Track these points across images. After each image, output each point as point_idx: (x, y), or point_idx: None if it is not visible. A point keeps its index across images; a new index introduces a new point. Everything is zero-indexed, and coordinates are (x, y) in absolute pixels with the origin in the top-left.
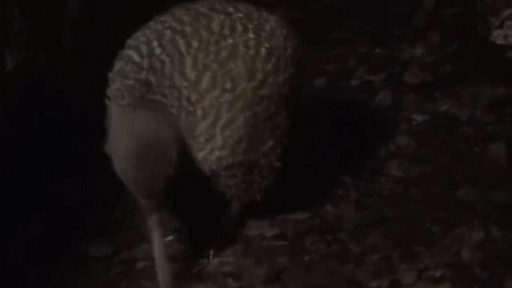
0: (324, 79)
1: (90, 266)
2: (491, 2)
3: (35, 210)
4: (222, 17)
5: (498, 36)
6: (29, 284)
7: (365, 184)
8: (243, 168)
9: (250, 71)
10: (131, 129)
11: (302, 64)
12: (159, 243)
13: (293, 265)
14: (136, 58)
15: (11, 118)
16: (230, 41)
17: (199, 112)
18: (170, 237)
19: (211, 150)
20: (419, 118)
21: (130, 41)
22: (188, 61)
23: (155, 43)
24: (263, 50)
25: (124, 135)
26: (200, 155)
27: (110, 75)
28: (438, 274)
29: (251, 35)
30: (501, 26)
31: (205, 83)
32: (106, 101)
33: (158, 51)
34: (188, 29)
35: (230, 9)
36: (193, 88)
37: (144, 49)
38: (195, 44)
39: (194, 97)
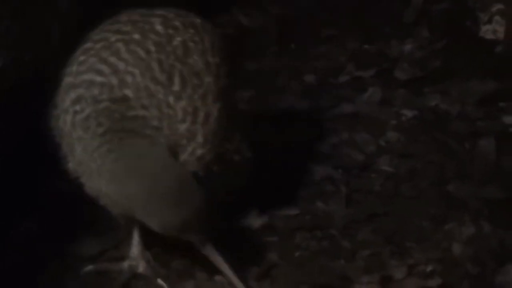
0: (314, 75)
1: (78, 265)
2: None
3: (23, 210)
4: (159, 19)
5: (487, 31)
6: (17, 284)
7: (356, 180)
8: (221, 164)
9: (206, 64)
10: (149, 172)
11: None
12: (225, 265)
13: (283, 261)
14: (100, 78)
15: None
16: (178, 38)
17: (180, 114)
18: None
19: (193, 150)
20: (408, 113)
21: (75, 68)
22: (155, 66)
23: (112, 59)
24: (207, 43)
25: (146, 181)
26: (182, 158)
27: (59, 111)
28: (428, 269)
29: (191, 30)
30: (490, 21)
31: (177, 84)
32: (66, 139)
33: (121, 65)
34: (137, 36)
35: (157, 12)
36: (168, 91)
37: (103, 67)
38: (152, 48)
39: (171, 99)
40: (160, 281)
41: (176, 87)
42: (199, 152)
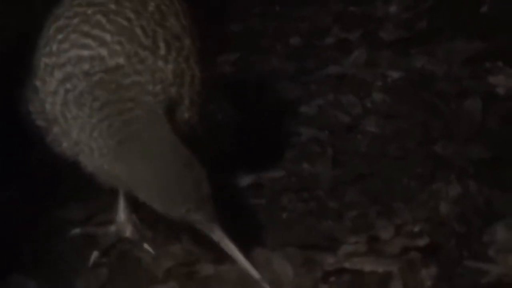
0: (299, 37)
1: (65, 229)
2: None
3: (9, 177)
4: None
5: None
6: (4, 249)
7: (342, 141)
8: (206, 124)
9: (182, 27)
10: (155, 153)
11: None
12: (234, 249)
13: (270, 223)
14: (88, 52)
15: None
16: (152, 3)
17: (170, 77)
18: None
19: (181, 113)
20: (394, 74)
21: (55, 47)
22: (139, 32)
23: (96, 31)
24: (177, 6)
25: (152, 163)
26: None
27: (42, 95)
28: (416, 229)
29: None
30: None
31: (162, 48)
32: (57, 122)
33: (107, 36)
34: (112, 6)
35: None
36: (155, 55)
37: (88, 41)
38: (131, 15)
39: (160, 64)
40: (146, 246)
41: (162, 51)
42: (186, 115)
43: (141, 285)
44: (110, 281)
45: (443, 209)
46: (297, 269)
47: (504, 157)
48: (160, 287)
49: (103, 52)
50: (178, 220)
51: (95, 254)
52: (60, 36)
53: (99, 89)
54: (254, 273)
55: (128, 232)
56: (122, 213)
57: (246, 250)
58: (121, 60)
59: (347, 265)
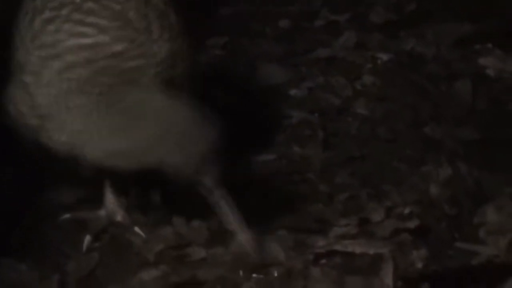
0: (288, 20)
1: (55, 214)
2: None
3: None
4: None
5: None
6: None
7: (332, 124)
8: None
9: (164, 2)
10: (160, 116)
11: None
12: (234, 214)
13: (261, 206)
14: (88, 40)
15: None
16: None
17: (165, 59)
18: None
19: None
20: (384, 57)
21: (49, 39)
22: (132, 15)
23: (91, 19)
24: None
25: (159, 126)
26: None
27: (32, 89)
28: (406, 211)
29: None
30: None
31: (156, 30)
32: (52, 115)
33: (104, 22)
34: None
35: None
36: (150, 38)
37: (86, 29)
38: None
39: (155, 47)
40: (137, 229)
41: (156, 34)
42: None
43: (132, 269)
44: (101, 265)
45: (433, 191)
46: (288, 252)
47: (494, 138)
48: (151, 271)
49: (104, 38)
50: (185, 181)
51: (87, 239)
52: (51, 27)
53: (102, 75)
54: (250, 244)
55: (119, 216)
56: (110, 196)
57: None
58: (121, 45)
59: (338, 247)
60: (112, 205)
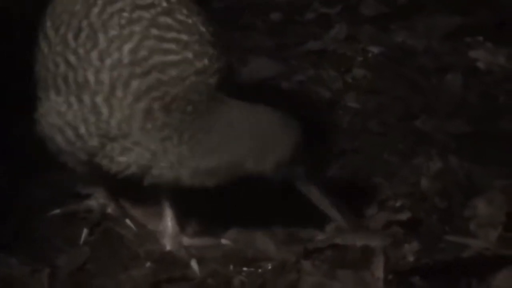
0: (279, 13)
1: (47, 208)
2: None
3: None
4: None
5: None
6: None
7: (323, 117)
8: None
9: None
10: (257, 124)
11: None
12: (325, 200)
13: (252, 200)
14: (173, 57)
15: None
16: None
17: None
18: None
19: None
20: (375, 50)
21: (127, 58)
22: (200, 25)
23: (172, 34)
24: None
25: (256, 133)
26: None
27: (106, 115)
28: (397, 204)
29: None
30: None
31: (210, 38)
32: (126, 138)
33: (184, 36)
34: (164, 4)
35: None
36: (214, 47)
37: (168, 45)
38: (184, 10)
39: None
40: (128, 221)
41: (207, 36)
42: None
43: (123, 263)
44: (92, 259)
45: (424, 184)
46: (280, 245)
47: (485, 131)
48: (142, 265)
49: (189, 54)
50: (270, 175)
51: (85, 232)
52: (129, 46)
53: (191, 92)
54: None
55: (109, 208)
56: (101, 189)
57: (228, 228)
58: (204, 61)
59: (329, 241)
60: (102, 197)
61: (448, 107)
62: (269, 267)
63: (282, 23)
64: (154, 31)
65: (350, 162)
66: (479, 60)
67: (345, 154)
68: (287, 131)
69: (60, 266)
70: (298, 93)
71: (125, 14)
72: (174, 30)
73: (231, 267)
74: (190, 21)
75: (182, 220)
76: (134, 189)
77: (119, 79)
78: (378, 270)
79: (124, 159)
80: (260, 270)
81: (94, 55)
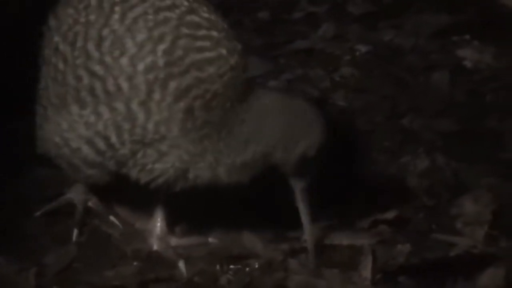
0: (267, 12)
1: (31, 208)
2: None
3: None
4: None
5: None
6: None
7: None
8: None
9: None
10: (289, 112)
11: None
12: (308, 212)
13: (240, 198)
14: (209, 54)
15: None
16: None
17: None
18: None
19: None
20: (362, 48)
21: (161, 60)
22: (220, 21)
23: (202, 32)
24: None
25: (288, 120)
26: None
27: (145, 118)
28: (385, 203)
29: None
30: None
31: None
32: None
33: (214, 33)
34: (185, 2)
35: None
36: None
37: (202, 43)
38: (204, 7)
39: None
40: (114, 219)
41: (229, 31)
42: None
43: (111, 263)
44: (80, 258)
45: (411, 182)
46: (267, 243)
47: (472, 130)
48: (130, 265)
49: (223, 51)
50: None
51: (75, 232)
52: (163, 46)
53: (229, 88)
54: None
55: (91, 202)
56: (79, 186)
57: (215, 226)
58: (236, 57)
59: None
60: (81, 191)
61: (435, 106)
62: (256, 266)
63: (270, 22)
64: (185, 30)
65: (337, 160)
66: (466, 58)
67: (333, 152)
68: (318, 123)
69: (47, 265)
70: (286, 91)
71: (150, 17)
72: (204, 27)
73: (218, 266)
74: (213, 17)
75: (170, 220)
76: (123, 188)
77: (155, 82)
78: (366, 270)
79: (159, 166)
80: (247, 269)
81: (124, 61)
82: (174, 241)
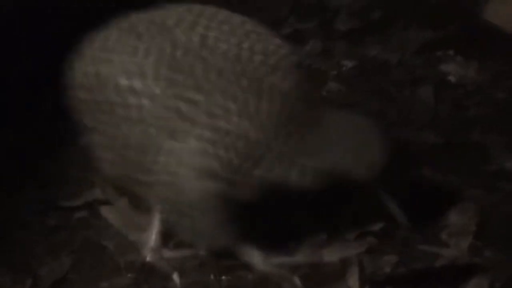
0: None
1: (23, 218)
2: None
3: None
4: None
5: None
6: None
7: None
8: None
9: None
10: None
11: None
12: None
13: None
14: (259, 57)
15: None
16: None
17: None
18: None
19: None
20: (349, 63)
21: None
22: None
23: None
24: None
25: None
26: None
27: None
28: (371, 214)
29: None
30: None
31: None
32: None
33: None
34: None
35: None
36: None
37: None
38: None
39: None
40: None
41: None
42: None
43: (105, 274)
44: (74, 269)
45: (397, 194)
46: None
47: (456, 142)
48: (124, 277)
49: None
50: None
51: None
52: (246, 54)
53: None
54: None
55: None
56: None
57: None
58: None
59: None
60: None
61: (420, 119)
62: (249, 277)
63: None
64: (246, 45)
65: None
66: (450, 73)
67: None
68: (384, 141)
69: (42, 277)
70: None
71: (223, 45)
72: (247, 41)
73: (211, 276)
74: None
75: (164, 232)
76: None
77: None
78: (353, 280)
79: (259, 172)
80: (240, 280)
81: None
82: (167, 253)
